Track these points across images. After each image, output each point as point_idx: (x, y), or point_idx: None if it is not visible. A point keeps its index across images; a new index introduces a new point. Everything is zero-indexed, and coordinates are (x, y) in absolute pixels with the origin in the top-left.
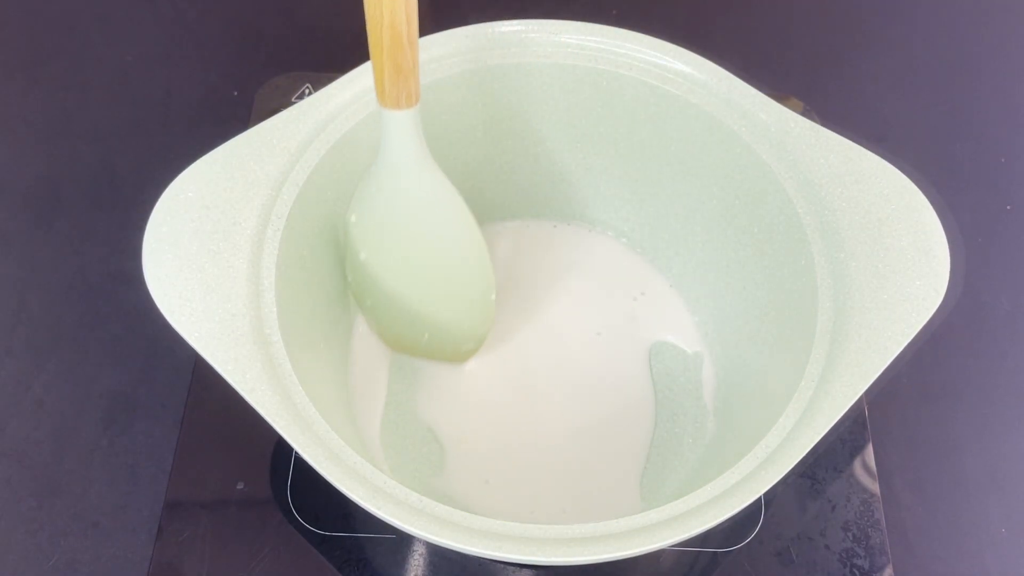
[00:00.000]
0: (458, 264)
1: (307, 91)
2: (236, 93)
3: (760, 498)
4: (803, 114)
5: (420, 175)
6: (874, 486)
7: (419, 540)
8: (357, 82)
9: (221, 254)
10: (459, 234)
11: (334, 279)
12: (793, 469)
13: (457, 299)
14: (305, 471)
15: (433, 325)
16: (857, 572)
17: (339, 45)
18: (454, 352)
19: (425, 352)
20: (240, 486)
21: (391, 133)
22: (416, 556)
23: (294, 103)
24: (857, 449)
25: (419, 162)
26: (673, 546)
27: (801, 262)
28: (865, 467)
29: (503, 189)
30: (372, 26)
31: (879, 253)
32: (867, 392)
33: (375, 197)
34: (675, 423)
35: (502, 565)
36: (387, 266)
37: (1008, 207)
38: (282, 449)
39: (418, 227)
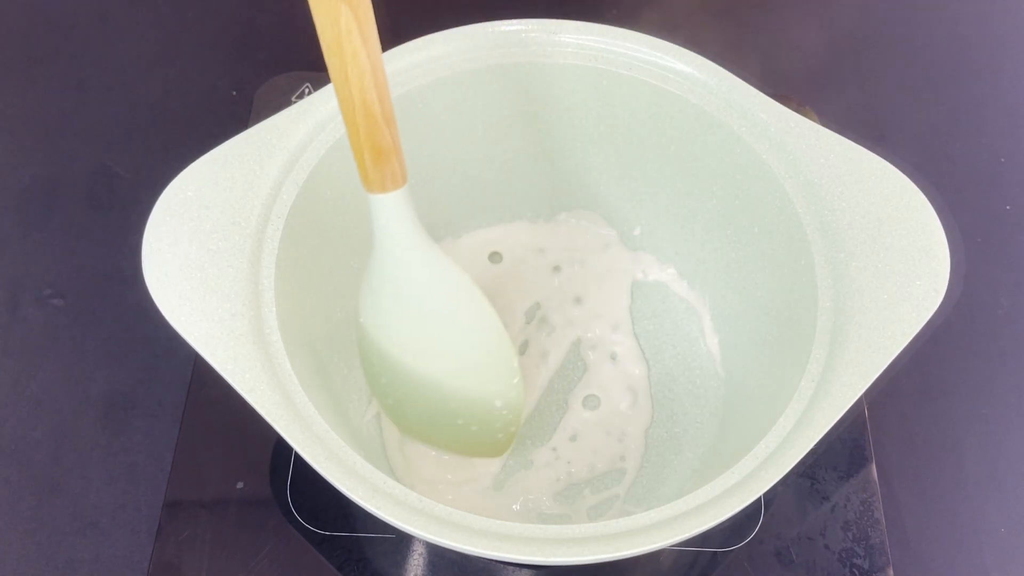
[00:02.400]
0: (476, 347)
1: (307, 91)
2: (235, 93)
3: (760, 498)
4: (803, 114)
5: (420, 259)
6: (874, 486)
7: (419, 540)
8: None
9: (221, 254)
10: (472, 316)
11: (334, 279)
12: (793, 469)
13: (481, 384)
14: (305, 471)
15: (463, 415)
16: (857, 572)
17: None
18: (490, 443)
19: (460, 446)
20: (240, 486)
21: (382, 219)
22: (416, 556)
23: (294, 103)
24: (857, 449)
25: (417, 246)
26: (673, 546)
27: (801, 262)
28: (865, 467)
29: (503, 189)
30: (345, 110)
31: (879, 253)
32: (867, 392)
33: (380, 293)
34: (675, 423)
35: (502, 565)
36: (406, 360)
37: (1008, 207)
38: (282, 449)
39: (431, 315)
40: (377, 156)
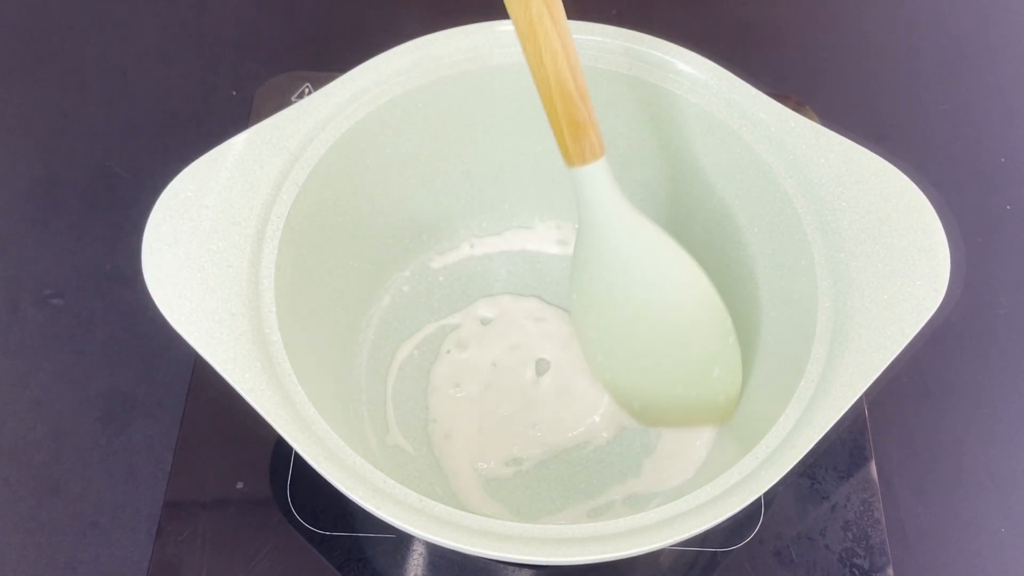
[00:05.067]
0: (688, 311)
1: (307, 91)
2: (235, 93)
3: (760, 498)
4: (803, 114)
5: (623, 228)
6: (874, 486)
7: (419, 540)
8: (357, 82)
9: (221, 254)
10: (681, 281)
11: (334, 279)
12: (793, 469)
13: (696, 348)
14: (305, 471)
15: (682, 382)
16: (857, 572)
17: (339, 45)
18: (711, 408)
19: (685, 417)
20: (240, 486)
21: (586, 192)
22: (416, 556)
23: (294, 103)
24: (857, 449)
25: (620, 214)
26: (673, 546)
27: (801, 262)
28: (865, 467)
29: (503, 189)
30: (542, 89)
31: (879, 253)
32: (867, 392)
33: (588, 267)
34: None
35: (502, 565)
36: (619, 332)
37: (1008, 207)
38: (282, 449)
39: (638, 283)
40: (575, 130)
